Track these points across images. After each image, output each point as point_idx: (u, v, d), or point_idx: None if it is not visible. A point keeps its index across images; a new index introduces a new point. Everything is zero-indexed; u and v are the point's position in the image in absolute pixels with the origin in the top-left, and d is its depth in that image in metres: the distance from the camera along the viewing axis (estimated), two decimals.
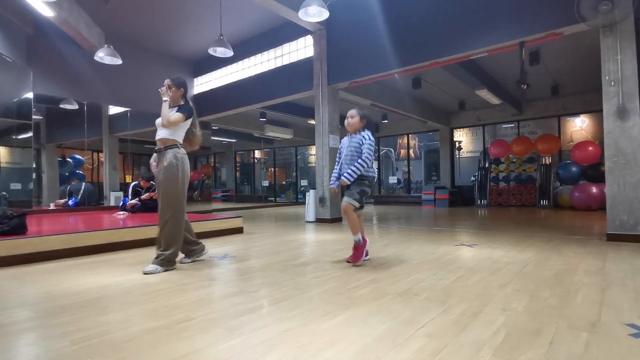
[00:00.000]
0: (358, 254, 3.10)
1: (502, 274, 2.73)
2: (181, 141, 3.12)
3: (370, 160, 3.06)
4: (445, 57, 5.77)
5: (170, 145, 3.04)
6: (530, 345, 1.51)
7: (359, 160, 3.04)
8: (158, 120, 3.10)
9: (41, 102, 8.57)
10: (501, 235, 4.80)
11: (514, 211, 9.16)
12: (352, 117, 3.16)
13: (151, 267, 2.90)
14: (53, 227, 4.54)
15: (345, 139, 3.25)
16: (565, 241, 4.27)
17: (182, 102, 3.15)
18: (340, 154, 3.27)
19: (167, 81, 3.12)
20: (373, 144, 3.11)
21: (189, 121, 3.16)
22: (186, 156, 3.11)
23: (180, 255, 3.28)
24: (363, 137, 3.10)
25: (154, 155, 3.12)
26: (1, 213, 3.60)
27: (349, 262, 3.11)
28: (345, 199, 3.08)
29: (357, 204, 3.06)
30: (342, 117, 8.02)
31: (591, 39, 5.77)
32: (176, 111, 3.04)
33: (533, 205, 10.35)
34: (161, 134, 3.05)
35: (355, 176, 3.04)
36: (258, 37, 8.96)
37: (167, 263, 2.96)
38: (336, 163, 3.31)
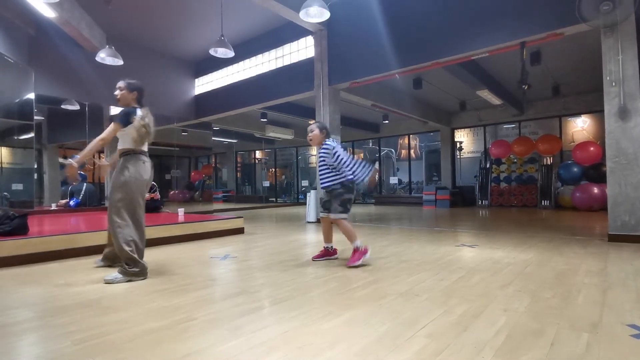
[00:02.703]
0: (356, 257, 3.08)
1: (503, 275, 2.73)
2: (133, 147, 2.87)
3: (348, 163, 3.10)
4: (446, 57, 5.77)
5: (124, 153, 2.88)
6: (531, 346, 1.51)
7: (348, 172, 3.10)
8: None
9: (43, 102, 8.59)
10: (502, 236, 4.79)
11: (515, 212, 9.14)
12: (312, 132, 3.26)
13: (111, 275, 2.67)
14: (54, 227, 4.55)
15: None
16: (566, 242, 4.27)
17: (135, 105, 2.99)
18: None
19: (119, 83, 3.00)
20: (337, 147, 3.12)
21: (132, 126, 2.85)
22: (140, 161, 2.87)
23: (98, 257, 3.21)
24: (326, 148, 3.16)
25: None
26: (3, 213, 3.61)
27: (348, 266, 3.05)
28: (332, 215, 3.16)
29: (345, 215, 3.16)
30: (343, 118, 8.02)
31: (592, 39, 5.76)
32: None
33: (534, 205, 10.33)
34: (118, 144, 2.95)
35: (360, 174, 3.11)
36: (259, 37, 8.97)
37: (130, 274, 2.68)
38: None
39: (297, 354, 1.47)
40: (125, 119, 2.86)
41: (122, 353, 1.49)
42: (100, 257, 3.23)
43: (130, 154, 2.88)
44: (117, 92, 3.00)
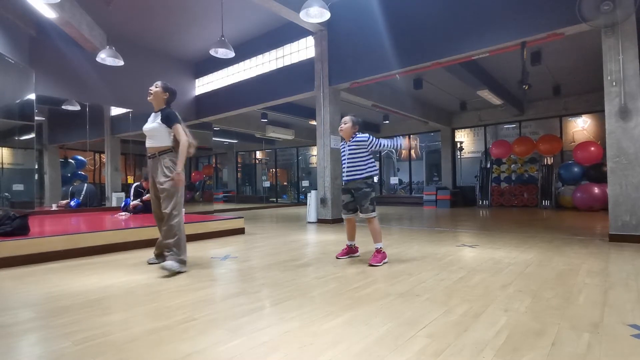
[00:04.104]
0: (379, 257, 3.17)
1: (504, 275, 2.73)
2: (172, 145, 3.10)
3: (386, 143, 3.24)
4: (447, 57, 5.76)
5: (164, 150, 3.06)
6: (532, 346, 1.51)
7: (386, 149, 3.26)
8: (146, 127, 3.11)
9: (43, 103, 8.58)
10: (503, 236, 4.79)
11: (515, 212, 9.13)
12: (345, 124, 3.35)
13: (169, 263, 2.89)
14: (55, 228, 4.55)
15: (343, 144, 3.41)
16: (567, 242, 4.26)
17: (164, 106, 3.13)
18: (344, 157, 3.39)
19: (157, 82, 3.15)
20: (372, 137, 3.27)
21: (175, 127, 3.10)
22: None
23: (151, 256, 3.35)
24: (361, 141, 3.26)
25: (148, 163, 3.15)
26: (4, 214, 3.62)
27: (371, 265, 3.10)
28: (364, 215, 3.26)
29: (376, 213, 3.28)
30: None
31: (593, 39, 5.76)
32: (166, 124, 3.04)
33: (535, 205, 10.32)
34: (151, 142, 3.07)
35: (389, 145, 3.24)
36: (259, 38, 8.97)
37: (182, 262, 2.99)
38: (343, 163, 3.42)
39: (298, 354, 1.47)
40: (178, 117, 3.09)
41: (122, 353, 1.49)
42: (152, 256, 3.33)
43: (172, 152, 3.08)
44: (152, 88, 3.13)
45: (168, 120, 3.04)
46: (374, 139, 3.26)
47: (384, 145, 3.24)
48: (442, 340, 1.57)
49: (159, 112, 3.11)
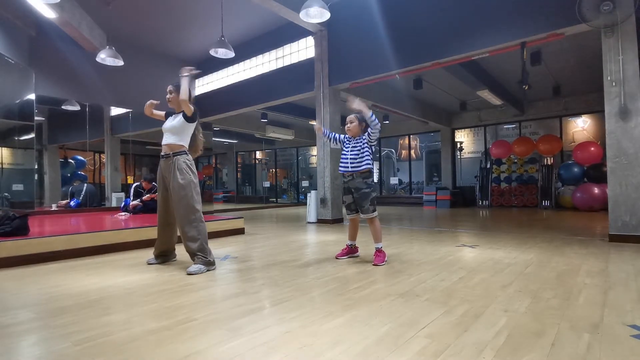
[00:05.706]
0: (382, 257, 3.20)
1: (504, 275, 2.73)
2: (188, 147, 3.17)
3: (377, 128, 3.18)
4: (447, 57, 5.76)
5: (178, 151, 3.08)
6: (532, 347, 1.51)
7: (374, 129, 3.17)
8: (166, 125, 3.17)
9: (43, 103, 8.60)
10: (503, 236, 4.79)
11: (515, 212, 9.14)
12: (351, 122, 3.35)
13: (195, 267, 2.91)
14: (55, 228, 4.55)
15: (348, 139, 3.40)
16: (567, 242, 4.26)
17: None
18: (347, 150, 3.36)
19: (169, 87, 3.21)
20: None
21: (194, 125, 3.19)
22: (193, 161, 3.18)
23: (151, 256, 3.36)
24: (364, 137, 3.27)
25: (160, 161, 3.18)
26: (3, 214, 3.61)
27: (375, 265, 3.12)
28: (364, 215, 3.27)
29: (376, 214, 3.28)
30: (343, 118, 8.02)
31: (593, 39, 5.76)
32: (184, 118, 3.10)
33: (535, 206, 10.32)
34: (169, 139, 3.10)
35: (375, 122, 3.13)
36: (259, 38, 8.97)
37: (209, 263, 3.01)
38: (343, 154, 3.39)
39: (298, 354, 1.47)
40: (195, 117, 3.14)
41: (122, 353, 1.49)
42: (152, 256, 3.34)
43: (187, 154, 3.12)
44: (168, 96, 3.20)
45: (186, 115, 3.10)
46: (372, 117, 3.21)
47: (373, 120, 3.16)
48: (442, 341, 1.57)
49: (181, 112, 3.15)
